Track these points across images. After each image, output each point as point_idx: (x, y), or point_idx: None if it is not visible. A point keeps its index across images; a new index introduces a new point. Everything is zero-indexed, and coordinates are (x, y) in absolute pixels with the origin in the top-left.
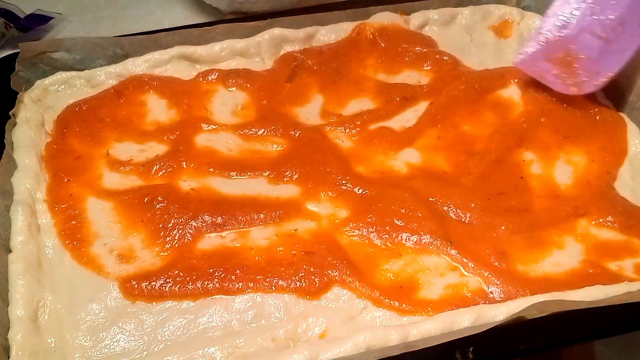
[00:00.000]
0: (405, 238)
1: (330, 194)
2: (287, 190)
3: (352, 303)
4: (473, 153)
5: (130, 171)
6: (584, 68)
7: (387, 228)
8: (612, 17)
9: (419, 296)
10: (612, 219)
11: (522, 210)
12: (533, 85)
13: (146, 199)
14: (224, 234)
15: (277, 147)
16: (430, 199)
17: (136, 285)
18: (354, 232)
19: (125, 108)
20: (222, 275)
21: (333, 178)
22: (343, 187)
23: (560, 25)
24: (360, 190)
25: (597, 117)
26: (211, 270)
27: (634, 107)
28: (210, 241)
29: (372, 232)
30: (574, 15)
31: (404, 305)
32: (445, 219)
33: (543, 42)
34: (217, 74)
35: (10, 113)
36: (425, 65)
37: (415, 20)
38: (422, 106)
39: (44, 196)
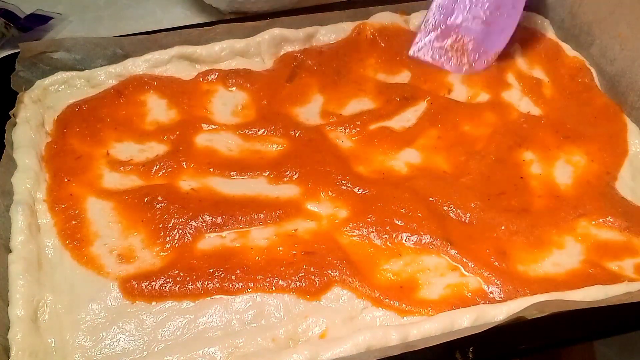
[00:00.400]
0: (405, 238)
1: (330, 194)
2: (287, 190)
3: (352, 303)
4: (473, 153)
5: (130, 171)
6: (472, 49)
7: (387, 228)
8: (489, 2)
9: (419, 296)
10: (612, 219)
11: (522, 210)
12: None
13: (146, 199)
14: (224, 234)
15: (277, 147)
16: (430, 198)
17: (136, 285)
18: (354, 232)
19: (125, 108)
20: (222, 275)
21: (333, 178)
22: (343, 187)
23: (445, 14)
24: (360, 190)
25: (597, 117)
26: (211, 270)
27: (634, 107)
28: (210, 241)
29: (372, 232)
30: (456, 4)
31: (404, 305)
32: (445, 219)
33: (432, 31)
34: (217, 74)
35: (10, 113)
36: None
37: (415, 20)
38: (422, 106)
39: (44, 196)
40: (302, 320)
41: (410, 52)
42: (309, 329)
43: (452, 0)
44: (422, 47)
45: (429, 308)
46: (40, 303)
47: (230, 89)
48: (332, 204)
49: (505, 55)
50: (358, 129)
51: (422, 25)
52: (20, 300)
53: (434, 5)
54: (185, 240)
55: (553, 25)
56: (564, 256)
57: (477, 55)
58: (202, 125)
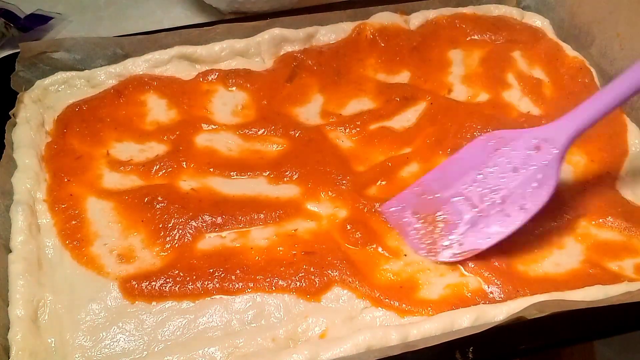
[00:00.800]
0: None
1: (330, 194)
2: (287, 190)
3: (352, 303)
4: None
5: (130, 171)
6: (446, 233)
7: None
8: (495, 191)
9: (419, 296)
10: (612, 219)
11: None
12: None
13: (146, 199)
14: (224, 234)
15: (277, 147)
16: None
17: (136, 285)
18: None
19: (125, 108)
20: (222, 275)
21: (333, 178)
22: (343, 187)
23: (440, 183)
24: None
25: None
26: (211, 270)
27: (633, 107)
28: (210, 241)
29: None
30: (460, 176)
31: (404, 305)
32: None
33: (418, 194)
34: (217, 74)
35: (10, 113)
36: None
37: (415, 20)
38: (422, 106)
39: (44, 196)
40: (302, 320)
41: (381, 208)
42: (309, 329)
43: (456, 171)
44: (395, 204)
45: (429, 308)
46: (40, 303)
47: (230, 89)
48: (332, 204)
49: (506, 56)
50: (358, 129)
51: (412, 185)
52: (20, 301)
53: (435, 171)
54: (185, 240)
55: (553, 25)
56: (564, 256)
57: (448, 243)
58: (202, 125)
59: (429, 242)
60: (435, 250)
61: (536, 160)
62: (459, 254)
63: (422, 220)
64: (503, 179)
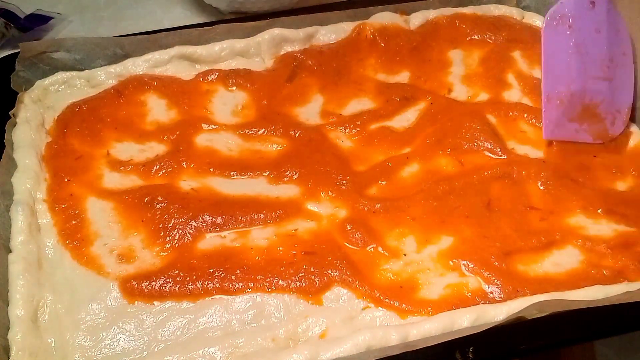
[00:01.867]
0: None
1: (330, 194)
2: (287, 190)
3: (352, 303)
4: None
5: (130, 171)
6: (605, 112)
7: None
8: (602, 56)
9: (419, 296)
10: (612, 218)
11: (522, 210)
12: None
13: (146, 199)
14: (223, 234)
15: (277, 147)
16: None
17: (136, 285)
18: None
19: (125, 108)
20: (222, 275)
21: (333, 178)
22: (343, 187)
23: (563, 83)
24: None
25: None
26: (211, 270)
27: (633, 107)
28: (210, 241)
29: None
30: (569, 68)
31: (404, 305)
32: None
33: (558, 105)
34: (217, 74)
35: (11, 113)
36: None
37: (415, 20)
38: (422, 106)
39: (44, 196)
40: (302, 320)
41: (545, 136)
42: (309, 329)
43: (564, 67)
44: (557, 126)
45: (429, 308)
46: (40, 303)
47: (230, 88)
48: (332, 204)
49: (506, 56)
50: (358, 129)
51: (543, 104)
52: (20, 301)
53: (547, 79)
54: (185, 240)
55: None
56: (564, 256)
57: (613, 118)
58: (202, 125)
59: (601, 129)
60: (610, 129)
61: (599, 13)
62: (625, 118)
63: (582, 119)
64: (597, 43)
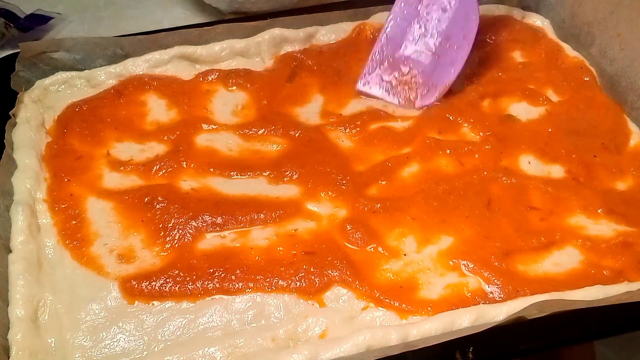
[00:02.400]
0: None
1: (330, 193)
2: (287, 190)
3: (352, 303)
4: (472, 153)
5: (130, 171)
6: (421, 82)
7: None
8: (439, 33)
9: (419, 296)
10: (612, 218)
11: (522, 210)
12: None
13: (146, 199)
14: (224, 233)
15: (277, 147)
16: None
17: (136, 285)
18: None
19: (125, 108)
20: (223, 275)
21: (333, 178)
22: (343, 187)
23: (393, 46)
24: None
25: (598, 117)
26: (211, 270)
27: (633, 107)
28: (210, 241)
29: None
30: (405, 35)
31: (404, 305)
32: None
33: (380, 64)
34: (217, 74)
35: (11, 113)
36: None
37: None
38: None
39: (44, 196)
40: (302, 320)
41: (358, 87)
42: (309, 328)
43: (401, 31)
44: (370, 81)
45: (429, 308)
46: (40, 303)
47: (230, 88)
48: (332, 204)
49: (506, 56)
50: (358, 129)
51: (370, 58)
52: (20, 301)
53: (382, 37)
54: (185, 240)
55: (553, 25)
56: (564, 256)
57: (425, 90)
58: (202, 125)
59: (412, 96)
60: (419, 99)
61: None
62: (437, 95)
63: (397, 81)
64: (439, 21)
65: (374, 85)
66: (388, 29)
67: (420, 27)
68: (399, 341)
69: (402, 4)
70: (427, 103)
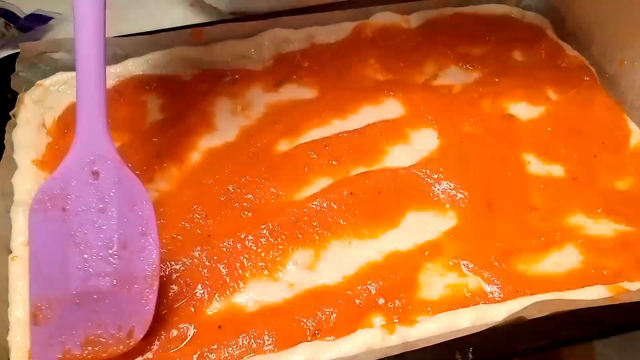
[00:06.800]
0: None
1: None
2: None
3: None
4: (473, 152)
5: None
6: (113, 319)
7: None
8: (108, 244)
9: (419, 296)
10: (612, 218)
11: (522, 210)
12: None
13: None
14: None
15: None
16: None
17: None
18: None
19: (125, 108)
20: None
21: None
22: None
23: (55, 286)
24: None
25: (597, 117)
26: None
27: (633, 107)
28: None
29: None
30: (64, 265)
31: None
32: None
33: (49, 318)
34: (217, 74)
35: (11, 113)
36: None
37: (415, 20)
38: None
39: None
40: None
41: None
42: None
43: (56, 264)
44: (47, 348)
45: (428, 308)
46: None
47: (230, 89)
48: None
49: (506, 55)
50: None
51: (32, 316)
52: (21, 302)
53: (34, 285)
54: None
55: (553, 25)
56: (564, 256)
57: (129, 326)
58: (202, 125)
59: (111, 343)
60: (121, 338)
61: (107, 185)
62: (147, 319)
63: (82, 331)
64: (103, 228)
65: (52, 350)
66: (34, 263)
67: (81, 245)
68: (399, 341)
69: (40, 223)
70: (141, 334)
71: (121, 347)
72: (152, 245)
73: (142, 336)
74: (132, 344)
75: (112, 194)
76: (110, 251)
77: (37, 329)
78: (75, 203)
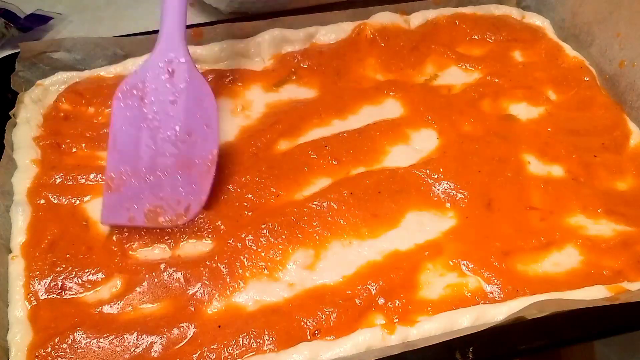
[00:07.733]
0: None
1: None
2: None
3: None
4: (473, 152)
5: None
6: (171, 196)
7: None
8: (177, 130)
9: (419, 296)
10: (611, 218)
11: (522, 210)
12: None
13: None
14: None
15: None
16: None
17: None
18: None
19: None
20: None
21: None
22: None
23: (129, 161)
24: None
25: (597, 117)
26: None
27: (633, 107)
28: None
29: None
30: (137, 145)
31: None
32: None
33: (120, 185)
34: (217, 74)
35: (11, 113)
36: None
37: (415, 20)
38: None
39: None
40: None
41: (103, 221)
42: None
43: (131, 143)
44: (115, 210)
45: (428, 308)
46: None
47: (230, 89)
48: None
49: (506, 55)
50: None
51: (105, 184)
52: (20, 302)
53: (111, 158)
54: None
55: (553, 25)
56: (564, 256)
57: (187, 203)
58: None
59: (166, 212)
60: (177, 214)
61: (180, 82)
62: (201, 200)
63: (145, 199)
64: (172, 117)
65: (119, 212)
66: (113, 141)
67: (153, 129)
68: (399, 341)
69: (122, 108)
70: (195, 213)
71: (178, 220)
72: (213, 137)
73: (197, 212)
74: (187, 218)
75: (182, 89)
76: (176, 136)
77: (109, 195)
78: (152, 94)
